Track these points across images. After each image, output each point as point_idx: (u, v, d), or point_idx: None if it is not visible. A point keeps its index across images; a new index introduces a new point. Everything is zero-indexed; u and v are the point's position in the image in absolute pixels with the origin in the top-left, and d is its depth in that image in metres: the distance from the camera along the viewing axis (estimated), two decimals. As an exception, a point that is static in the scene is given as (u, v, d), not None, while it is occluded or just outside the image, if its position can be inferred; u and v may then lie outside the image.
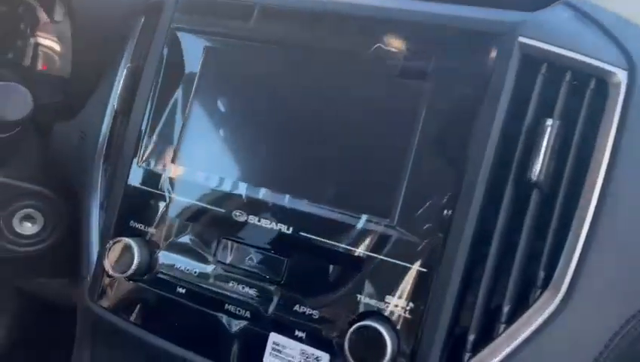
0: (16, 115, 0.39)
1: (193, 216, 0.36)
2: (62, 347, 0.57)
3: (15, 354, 0.70)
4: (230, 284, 0.34)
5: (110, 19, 0.46)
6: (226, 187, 0.36)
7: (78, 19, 0.45)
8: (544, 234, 0.30)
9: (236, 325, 0.34)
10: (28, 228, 0.50)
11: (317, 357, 0.32)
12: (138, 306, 0.37)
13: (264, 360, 0.33)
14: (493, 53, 0.31)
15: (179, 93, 0.38)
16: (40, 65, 0.53)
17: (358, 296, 0.31)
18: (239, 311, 0.34)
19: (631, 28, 0.33)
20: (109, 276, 0.38)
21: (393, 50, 0.33)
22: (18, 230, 0.50)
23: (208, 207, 0.36)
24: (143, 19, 0.44)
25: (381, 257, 0.31)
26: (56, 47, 0.52)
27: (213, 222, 0.36)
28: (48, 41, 0.53)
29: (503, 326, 0.30)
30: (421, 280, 0.30)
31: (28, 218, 0.49)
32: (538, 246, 0.30)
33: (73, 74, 0.46)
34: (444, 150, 0.31)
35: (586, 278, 0.30)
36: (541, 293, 0.30)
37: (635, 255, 0.30)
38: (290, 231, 0.33)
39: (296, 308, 0.33)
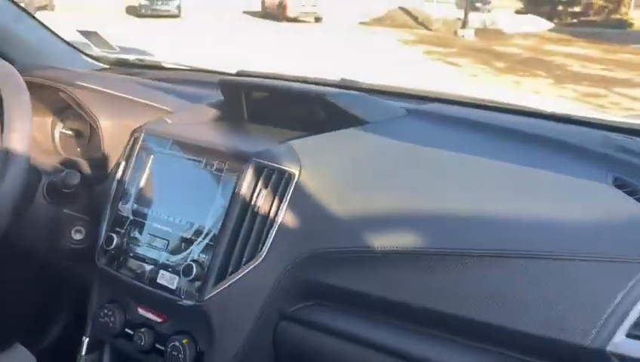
0: (73, 182, 0.92)
1: (140, 225, 0.87)
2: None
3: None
4: (150, 252, 0.85)
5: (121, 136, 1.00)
6: (148, 214, 0.87)
7: (105, 136, 1.00)
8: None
9: (151, 268, 0.84)
10: (78, 237, 1.02)
11: (172, 278, 0.81)
12: (116, 262, 0.88)
13: (157, 280, 0.82)
14: (243, 165, 0.81)
15: (140, 178, 0.90)
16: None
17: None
18: (153, 261, 0.84)
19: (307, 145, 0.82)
20: (106, 251, 0.89)
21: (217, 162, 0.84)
22: (73, 237, 1.02)
23: (144, 221, 0.87)
24: (132, 140, 0.96)
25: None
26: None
27: (147, 226, 0.86)
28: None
29: (236, 273, 0.78)
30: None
31: (78, 231, 1.02)
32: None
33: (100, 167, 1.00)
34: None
35: (270, 254, 0.77)
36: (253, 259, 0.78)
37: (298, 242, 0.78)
38: (171, 231, 0.84)
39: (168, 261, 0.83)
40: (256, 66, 1.35)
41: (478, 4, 19.86)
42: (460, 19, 15.28)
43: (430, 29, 15.16)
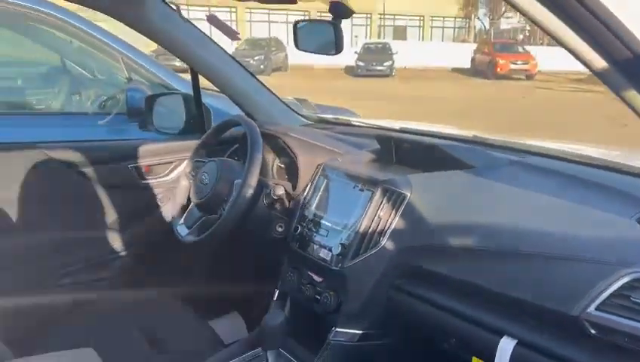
0: (278, 193, 1.49)
1: (314, 222, 1.39)
2: None
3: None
4: (317, 237, 1.36)
5: (310, 168, 1.55)
6: (319, 215, 1.38)
7: (301, 167, 1.56)
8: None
9: (317, 247, 1.35)
10: (280, 230, 1.58)
11: (327, 253, 1.30)
12: (299, 243, 1.41)
13: (319, 254, 1.32)
14: (375, 187, 1.27)
15: (318, 194, 1.43)
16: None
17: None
18: (318, 243, 1.35)
19: (417, 179, 1.25)
20: (293, 236, 1.43)
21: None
22: (277, 230, 1.59)
23: (317, 219, 1.38)
24: (316, 171, 1.50)
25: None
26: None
27: (317, 222, 1.38)
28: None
29: (366, 252, 1.23)
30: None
31: (280, 226, 1.59)
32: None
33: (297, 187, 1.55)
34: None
35: (386, 244, 1.22)
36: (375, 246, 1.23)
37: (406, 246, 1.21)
38: (330, 225, 1.34)
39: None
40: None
41: None
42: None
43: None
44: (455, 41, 27.20)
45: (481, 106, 10.52)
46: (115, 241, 1.78)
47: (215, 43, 1.76)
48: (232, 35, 1.56)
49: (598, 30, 0.61)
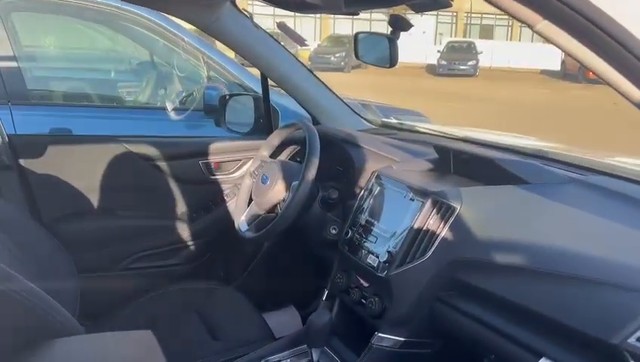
0: (333, 196, 1.54)
1: (365, 227, 1.42)
2: None
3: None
4: (366, 243, 1.39)
5: (365, 174, 1.58)
6: (370, 221, 1.42)
7: (356, 172, 1.60)
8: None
9: (365, 252, 1.38)
10: (333, 232, 1.63)
11: (375, 259, 1.33)
12: (348, 247, 1.46)
13: (367, 260, 1.36)
14: (425, 198, 1.29)
15: (370, 200, 1.47)
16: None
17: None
18: (367, 249, 1.39)
19: (467, 192, 1.25)
20: (344, 239, 1.47)
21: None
22: (331, 232, 1.64)
23: (367, 225, 1.42)
24: (371, 177, 1.54)
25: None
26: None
27: (368, 228, 1.42)
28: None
29: (412, 262, 1.26)
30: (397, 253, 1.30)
31: (334, 228, 1.64)
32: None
33: (351, 191, 1.60)
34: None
35: (432, 256, 1.23)
36: (422, 256, 1.24)
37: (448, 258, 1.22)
38: (379, 232, 1.37)
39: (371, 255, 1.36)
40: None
41: None
42: None
43: None
44: (546, 42, 25.93)
45: (565, 111, 10.02)
46: (184, 232, 1.91)
47: (285, 48, 1.83)
48: (300, 41, 1.62)
49: (633, 63, 0.61)
